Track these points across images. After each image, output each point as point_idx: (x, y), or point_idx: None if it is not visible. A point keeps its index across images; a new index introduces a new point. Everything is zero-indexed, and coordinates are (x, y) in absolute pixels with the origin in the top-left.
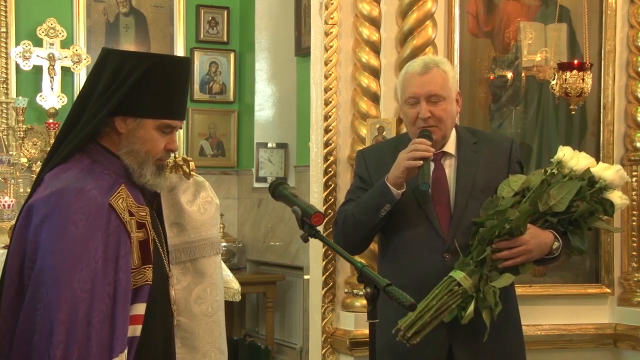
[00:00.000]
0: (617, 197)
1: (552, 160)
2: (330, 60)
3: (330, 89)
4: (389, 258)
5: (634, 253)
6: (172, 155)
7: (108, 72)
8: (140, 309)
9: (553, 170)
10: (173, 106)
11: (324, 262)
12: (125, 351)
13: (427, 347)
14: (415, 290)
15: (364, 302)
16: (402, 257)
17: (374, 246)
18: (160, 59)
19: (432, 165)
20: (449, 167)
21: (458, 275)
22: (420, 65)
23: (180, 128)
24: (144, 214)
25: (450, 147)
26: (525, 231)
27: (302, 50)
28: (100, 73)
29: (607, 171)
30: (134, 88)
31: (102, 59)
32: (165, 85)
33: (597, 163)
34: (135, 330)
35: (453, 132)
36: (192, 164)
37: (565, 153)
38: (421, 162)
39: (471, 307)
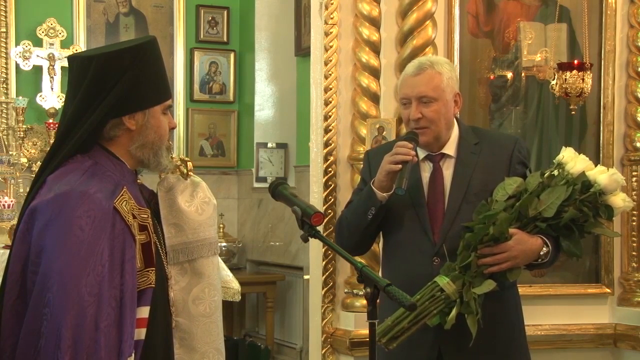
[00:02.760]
0: (619, 200)
1: (554, 161)
2: (330, 60)
3: (330, 89)
4: (386, 259)
5: (634, 253)
6: (170, 155)
7: (104, 74)
8: (144, 312)
9: (553, 172)
10: (167, 86)
11: (324, 262)
12: (133, 355)
13: (417, 350)
14: (407, 292)
15: (364, 302)
16: (395, 259)
17: (374, 246)
18: (143, 48)
19: (430, 167)
20: (447, 169)
21: (442, 280)
22: (414, 66)
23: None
24: (146, 216)
25: (450, 148)
26: (509, 237)
27: (302, 50)
28: (97, 76)
29: (602, 175)
30: (133, 83)
31: (90, 64)
32: (156, 69)
33: (596, 165)
34: (140, 333)
35: (455, 133)
36: (189, 164)
37: (565, 155)
38: (399, 166)
39: (453, 313)
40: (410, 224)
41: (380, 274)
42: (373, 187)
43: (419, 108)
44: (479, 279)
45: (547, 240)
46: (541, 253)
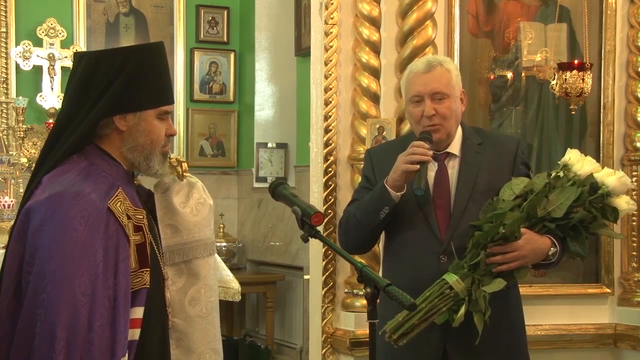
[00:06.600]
0: (623, 203)
1: (559, 162)
2: (330, 60)
3: (330, 89)
4: (389, 258)
5: (634, 253)
6: (168, 157)
7: (94, 73)
8: (138, 312)
9: (559, 173)
10: (166, 91)
11: (324, 262)
12: (126, 355)
13: (422, 348)
14: (412, 291)
15: (364, 302)
16: (400, 258)
17: (375, 246)
18: (142, 50)
19: (435, 165)
20: (452, 168)
21: (451, 278)
22: (424, 64)
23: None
24: (141, 217)
25: (455, 147)
26: (520, 236)
27: (302, 50)
28: (85, 75)
29: (610, 177)
30: (126, 84)
31: (81, 62)
32: (154, 73)
33: (602, 168)
34: (134, 334)
35: (459, 132)
36: (184, 165)
37: (571, 156)
38: (417, 166)
39: (462, 311)
40: (417, 223)
41: (380, 274)
42: (387, 187)
43: (432, 105)
44: (487, 278)
45: (555, 241)
46: (549, 253)
